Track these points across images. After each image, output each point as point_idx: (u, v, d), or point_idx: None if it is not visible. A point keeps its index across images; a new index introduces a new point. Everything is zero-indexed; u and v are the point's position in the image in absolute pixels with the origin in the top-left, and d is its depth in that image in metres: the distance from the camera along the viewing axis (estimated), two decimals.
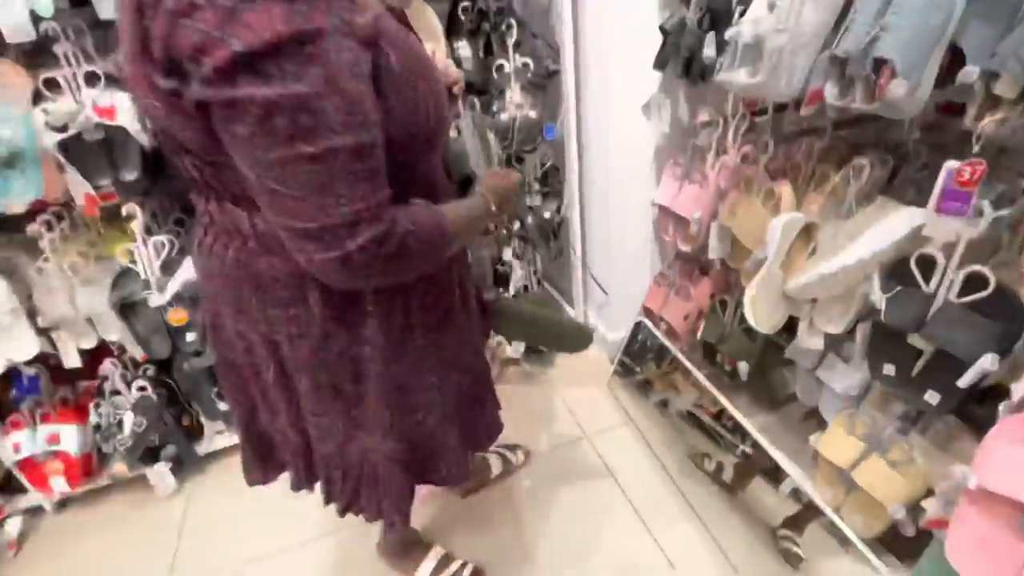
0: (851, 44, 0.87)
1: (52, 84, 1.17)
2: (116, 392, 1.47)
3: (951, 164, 0.80)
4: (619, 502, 1.41)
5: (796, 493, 1.24)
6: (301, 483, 0.95)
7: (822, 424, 1.21)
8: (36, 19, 1.10)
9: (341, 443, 0.84)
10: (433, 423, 0.87)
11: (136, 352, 1.46)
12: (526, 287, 1.77)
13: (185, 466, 1.58)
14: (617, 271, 1.68)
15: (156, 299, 1.34)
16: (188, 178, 0.69)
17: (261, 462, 0.96)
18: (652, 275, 1.62)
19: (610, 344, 1.78)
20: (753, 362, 1.36)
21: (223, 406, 1.56)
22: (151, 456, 1.51)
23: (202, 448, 1.61)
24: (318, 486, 0.95)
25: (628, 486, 1.44)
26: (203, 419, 1.63)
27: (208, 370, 1.51)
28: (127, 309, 1.37)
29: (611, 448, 1.55)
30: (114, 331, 1.40)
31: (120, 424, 1.45)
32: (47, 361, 1.44)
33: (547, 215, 1.65)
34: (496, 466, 1.47)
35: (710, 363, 1.50)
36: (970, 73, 0.76)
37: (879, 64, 0.83)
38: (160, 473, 1.53)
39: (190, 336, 1.42)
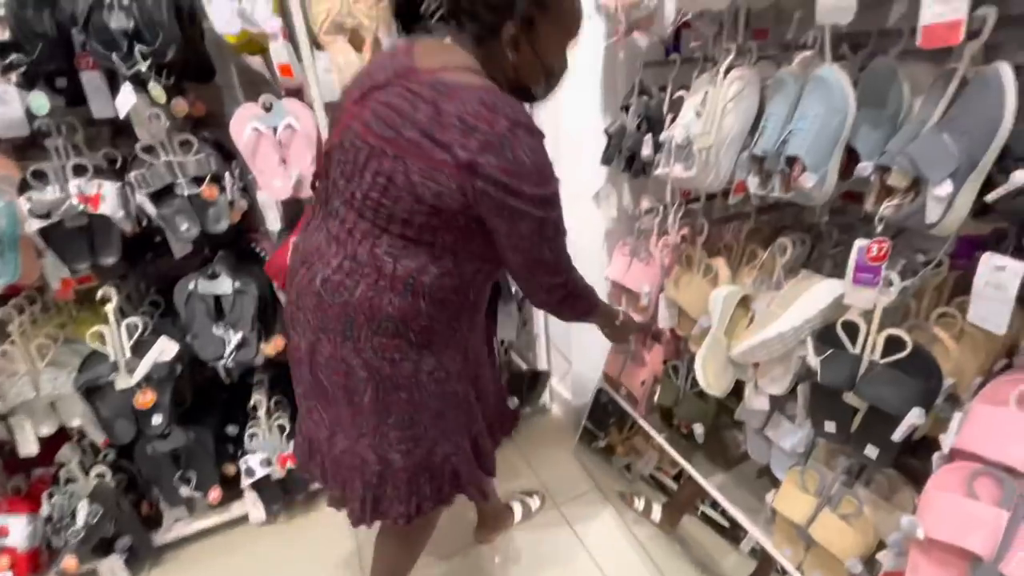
0: (766, 144, 0.94)
1: (39, 174, 1.14)
2: (71, 480, 1.31)
3: (861, 242, 0.85)
4: (589, 569, 1.32)
5: (754, 551, 1.19)
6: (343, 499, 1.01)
7: (775, 481, 1.19)
8: (31, 116, 1.09)
9: (428, 449, 0.95)
10: (481, 426, 1.04)
11: (97, 437, 1.32)
12: None
13: (140, 557, 1.39)
14: (578, 341, 1.68)
15: (123, 381, 1.23)
16: (367, 221, 0.82)
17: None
18: (610, 343, 1.63)
19: (575, 410, 1.74)
20: (708, 424, 1.35)
21: (185, 491, 1.41)
22: (104, 548, 1.33)
23: (159, 538, 1.44)
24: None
25: (597, 553, 1.36)
26: (163, 506, 1.46)
27: (171, 453, 1.37)
28: (91, 393, 1.25)
29: (579, 514, 1.47)
30: (77, 415, 1.27)
31: (73, 515, 1.28)
32: (1, 448, 1.28)
33: (512, 290, 1.66)
34: (518, 512, 1.50)
35: (668, 426, 1.48)
36: (865, 168, 0.83)
37: (791, 160, 0.91)
38: (112, 567, 1.33)
39: (156, 419, 1.30)
